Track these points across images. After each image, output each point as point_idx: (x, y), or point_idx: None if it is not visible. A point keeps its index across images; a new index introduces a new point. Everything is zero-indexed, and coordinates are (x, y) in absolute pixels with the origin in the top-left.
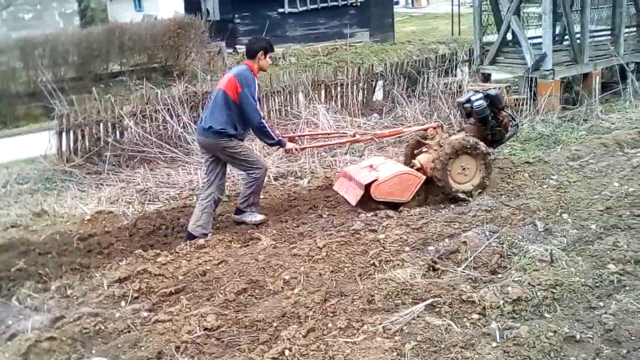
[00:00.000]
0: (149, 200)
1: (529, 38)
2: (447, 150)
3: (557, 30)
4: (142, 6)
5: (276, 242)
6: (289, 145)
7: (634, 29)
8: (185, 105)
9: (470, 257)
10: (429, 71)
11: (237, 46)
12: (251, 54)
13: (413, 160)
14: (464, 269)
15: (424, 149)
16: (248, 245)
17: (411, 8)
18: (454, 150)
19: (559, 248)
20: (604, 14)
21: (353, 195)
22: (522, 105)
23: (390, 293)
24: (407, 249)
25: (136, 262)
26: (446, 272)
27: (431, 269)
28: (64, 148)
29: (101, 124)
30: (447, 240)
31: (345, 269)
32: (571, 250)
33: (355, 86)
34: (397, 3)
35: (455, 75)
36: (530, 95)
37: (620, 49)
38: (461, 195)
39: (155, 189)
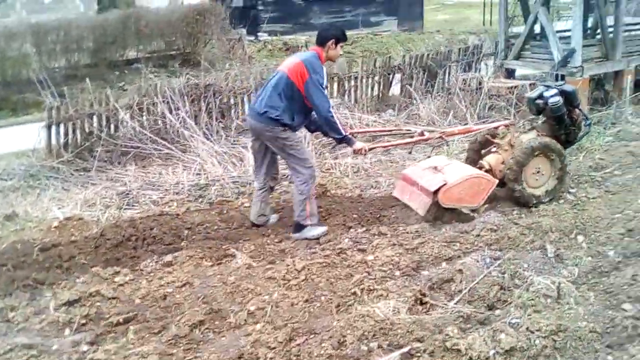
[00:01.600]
0: (128, 205)
1: (559, 31)
2: (524, 149)
3: (590, 24)
4: None
5: (253, 260)
6: (359, 144)
7: None
8: (186, 98)
9: (465, 288)
10: (451, 64)
11: (259, 34)
12: (321, 41)
13: (481, 161)
14: (456, 303)
15: (493, 149)
16: (221, 263)
17: None
18: (532, 150)
19: (568, 280)
20: None
21: (420, 204)
22: None
23: (365, 333)
24: (397, 273)
25: (92, 281)
26: (435, 307)
27: (419, 302)
28: (53, 142)
29: (94, 117)
30: (444, 264)
31: (323, 297)
32: (582, 283)
33: (370, 79)
34: None
35: (480, 70)
36: None
37: None
38: (533, 200)
39: (138, 191)
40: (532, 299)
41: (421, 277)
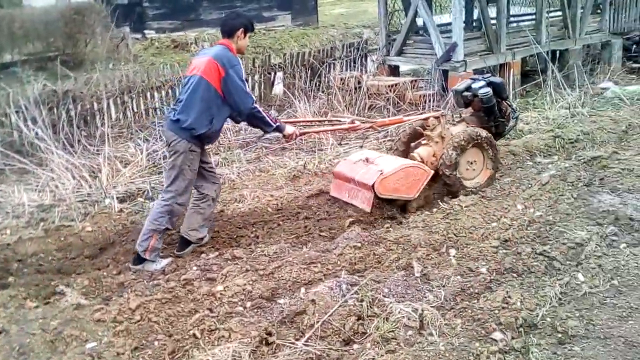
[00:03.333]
0: None
1: (443, 25)
2: (457, 139)
3: (476, 15)
4: None
5: (85, 297)
6: (289, 129)
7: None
8: (42, 107)
9: (318, 322)
10: (333, 62)
11: (146, 31)
12: (229, 32)
13: (411, 154)
14: (306, 341)
15: (423, 141)
16: (48, 303)
17: None
18: (465, 141)
19: (433, 306)
20: None
21: (364, 201)
22: (429, 102)
23: None
24: (248, 305)
25: None
26: (283, 348)
27: (264, 342)
28: None
29: None
30: (303, 289)
31: (156, 342)
32: (449, 308)
33: (250, 79)
34: None
35: (365, 67)
36: (443, 89)
37: (541, 36)
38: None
39: None
40: (392, 331)
41: (274, 309)
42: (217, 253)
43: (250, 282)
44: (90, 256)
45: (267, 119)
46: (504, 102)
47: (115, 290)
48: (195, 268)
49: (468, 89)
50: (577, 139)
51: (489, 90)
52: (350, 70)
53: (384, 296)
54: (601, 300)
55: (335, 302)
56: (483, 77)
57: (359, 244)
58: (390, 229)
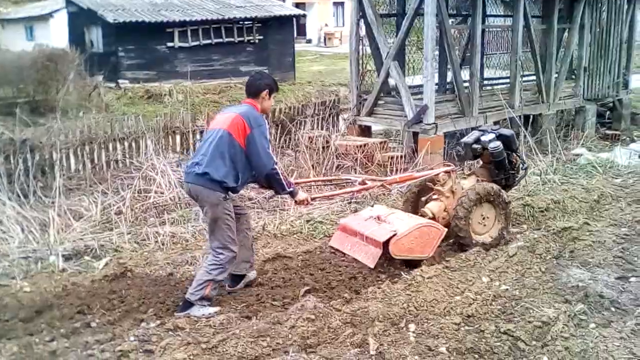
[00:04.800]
0: None
1: (418, 86)
2: (471, 196)
3: (449, 78)
4: (34, 35)
5: None
6: (301, 195)
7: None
8: None
9: None
10: (304, 120)
11: (120, 81)
12: (254, 93)
13: (422, 209)
14: None
15: (434, 196)
16: None
17: (323, 47)
18: (479, 197)
19: None
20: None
21: (368, 256)
22: (397, 164)
23: None
24: None
25: None
26: None
27: None
28: None
29: None
30: None
31: None
32: None
33: None
34: (309, 41)
35: (336, 125)
36: (413, 151)
37: (514, 100)
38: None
39: None
40: None
41: None
42: (159, 322)
43: (191, 357)
44: (24, 319)
45: (284, 182)
46: (513, 154)
47: (46, 359)
48: (132, 338)
49: (477, 141)
50: (547, 208)
51: (498, 144)
52: (321, 129)
53: None
54: None
55: None
56: (492, 130)
57: (313, 316)
58: (349, 298)
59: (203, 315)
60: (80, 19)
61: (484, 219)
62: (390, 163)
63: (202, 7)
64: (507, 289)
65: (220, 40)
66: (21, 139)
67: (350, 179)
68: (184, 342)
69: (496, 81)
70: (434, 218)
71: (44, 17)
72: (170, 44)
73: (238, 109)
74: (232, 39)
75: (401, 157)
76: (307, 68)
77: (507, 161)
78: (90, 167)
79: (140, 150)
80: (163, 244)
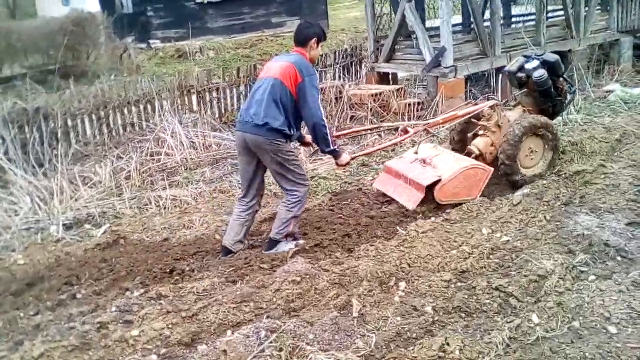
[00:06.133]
0: None
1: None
2: (516, 131)
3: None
4: (69, 0)
5: None
6: (344, 158)
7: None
8: (10, 126)
9: None
10: (324, 70)
11: (152, 41)
12: (303, 41)
13: (469, 147)
14: None
15: (480, 132)
16: None
17: None
18: (524, 131)
19: (361, 356)
20: None
21: (411, 199)
22: (416, 111)
23: None
24: (162, 352)
25: None
26: None
27: None
28: None
29: None
30: (229, 332)
31: None
32: (380, 358)
33: (235, 90)
34: None
35: (360, 74)
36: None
37: (540, 37)
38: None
39: None
40: None
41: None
42: (143, 290)
43: (171, 326)
44: (15, 293)
45: (329, 138)
46: (560, 79)
47: (30, 334)
48: (114, 309)
49: (521, 69)
50: (563, 151)
51: (543, 73)
52: (343, 79)
53: (308, 344)
54: (554, 348)
55: (250, 354)
56: (536, 56)
57: (299, 279)
58: (338, 257)
59: (290, 249)
60: None
61: (532, 152)
62: (408, 111)
63: None
64: (508, 241)
65: None
66: (34, 108)
67: (392, 127)
68: (164, 311)
69: (526, 18)
70: (481, 155)
71: None
72: (199, 0)
73: (289, 57)
74: None
75: (419, 103)
76: (344, 15)
77: (553, 88)
78: (106, 132)
79: (156, 111)
80: (165, 208)
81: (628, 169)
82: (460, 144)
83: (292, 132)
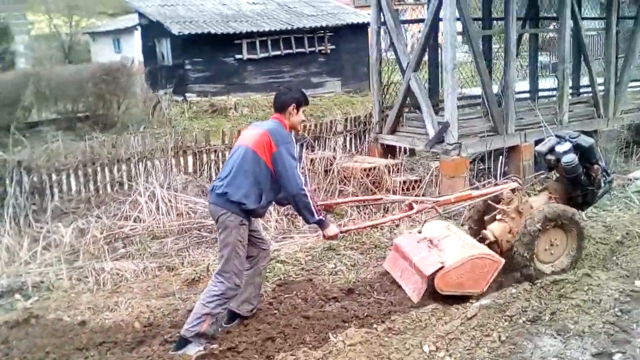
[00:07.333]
0: None
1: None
2: (536, 220)
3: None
4: (121, 47)
5: None
6: (332, 229)
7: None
8: None
9: None
10: (329, 137)
11: (187, 94)
12: (281, 107)
13: (483, 231)
14: None
15: (498, 216)
16: None
17: None
18: (546, 220)
19: None
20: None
21: (414, 289)
22: (413, 189)
23: None
24: None
25: None
26: None
27: None
28: None
29: None
30: None
31: None
32: None
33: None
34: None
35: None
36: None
37: (562, 114)
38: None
39: None
40: None
41: None
42: None
43: None
44: None
45: (313, 207)
46: (594, 166)
47: None
48: None
49: (551, 151)
50: None
51: (573, 158)
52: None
53: None
54: None
55: None
56: (570, 137)
57: None
58: None
59: (196, 353)
60: (151, 32)
61: (552, 245)
62: (403, 189)
63: (272, 17)
64: None
65: (290, 51)
66: (15, 161)
67: (395, 200)
68: None
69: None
70: (496, 241)
71: (129, 30)
72: (238, 56)
73: (265, 125)
74: (302, 50)
75: (416, 181)
76: (387, 77)
77: (584, 175)
78: (92, 190)
79: (145, 172)
80: (101, 284)
81: (618, 280)
82: (479, 224)
83: (257, 205)
